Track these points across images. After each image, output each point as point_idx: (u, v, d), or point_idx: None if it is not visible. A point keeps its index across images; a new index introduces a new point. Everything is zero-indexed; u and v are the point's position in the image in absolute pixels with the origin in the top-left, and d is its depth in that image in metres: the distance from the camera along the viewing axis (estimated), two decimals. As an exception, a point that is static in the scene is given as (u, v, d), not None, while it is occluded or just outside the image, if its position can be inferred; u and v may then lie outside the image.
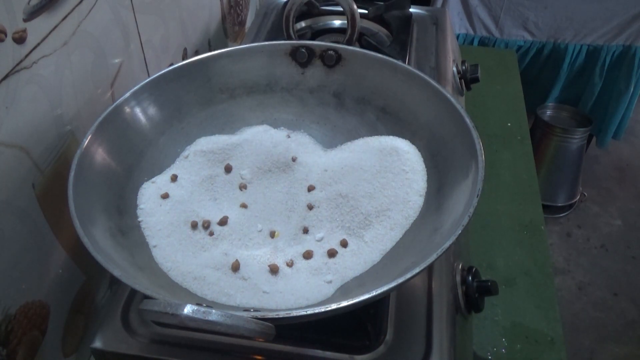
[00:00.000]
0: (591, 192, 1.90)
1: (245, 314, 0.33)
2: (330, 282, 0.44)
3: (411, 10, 0.83)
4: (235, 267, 0.44)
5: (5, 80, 0.42)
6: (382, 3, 0.80)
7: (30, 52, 0.44)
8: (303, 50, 0.57)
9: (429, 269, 0.48)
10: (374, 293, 0.34)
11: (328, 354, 0.42)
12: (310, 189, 0.51)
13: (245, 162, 0.54)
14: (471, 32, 1.61)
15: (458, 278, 0.49)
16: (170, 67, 0.54)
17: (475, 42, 1.62)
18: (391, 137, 0.54)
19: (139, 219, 0.48)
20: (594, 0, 1.50)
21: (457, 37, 1.59)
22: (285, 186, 0.52)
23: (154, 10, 0.66)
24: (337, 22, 0.81)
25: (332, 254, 0.46)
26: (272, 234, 0.48)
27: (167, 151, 0.54)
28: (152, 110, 0.53)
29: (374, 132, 0.56)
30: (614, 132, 1.74)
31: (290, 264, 0.45)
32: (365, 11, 0.79)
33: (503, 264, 0.71)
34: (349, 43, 0.65)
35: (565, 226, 1.80)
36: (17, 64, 0.43)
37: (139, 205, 0.49)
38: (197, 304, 0.30)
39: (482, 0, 1.54)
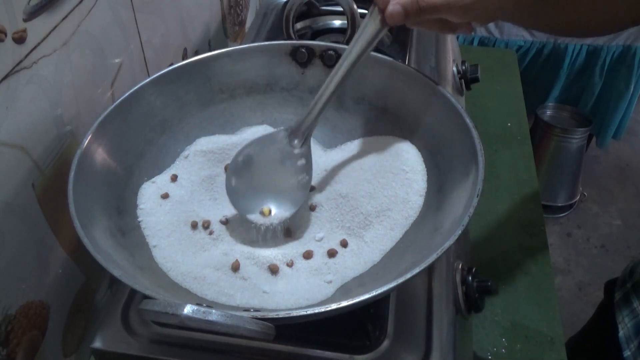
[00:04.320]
0: (591, 192, 1.90)
1: (245, 314, 0.33)
2: (330, 282, 0.44)
3: (411, 10, 0.83)
4: (235, 267, 0.44)
5: (5, 80, 0.42)
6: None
7: (30, 52, 0.44)
8: (303, 50, 0.57)
9: (429, 269, 0.47)
10: (374, 293, 0.34)
11: (328, 354, 0.42)
12: (310, 189, 0.51)
13: (245, 162, 0.54)
14: (471, 32, 1.61)
15: (458, 278, 0.49)
16: (170, 67, 0.54)
17: (475, 42, 1.62)
18: (391, 137, 0.54)
19: (139, 219, 0.48)
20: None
21: (457, 37, 1.59)
22: (285, 186, 0.52)
23: (154, 10, 0.66)
24: (337, 22, 0.81)
25: (332, 254, 0.46)
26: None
27: (167, 151, 0.54)
28: (152, 110, 0.53)
29: (374, 132, 0.56)
30: (614, 132, 1.74)
31: (290, 264, 0.45)
32: (365, 11, 0.79)
33: (503, 264, 0.71)
34: (349, 43, 0.65)
35: (565, 226, 1.80)
36: (17, 64, 0.43)
37: (139, 205, 0.49)
38: (197, 304, 0.30)
39: (482, 0, 1.54)
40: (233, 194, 0.49)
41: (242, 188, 0.49)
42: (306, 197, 0.49)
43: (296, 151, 0.49)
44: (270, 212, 0.48)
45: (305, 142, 0.49)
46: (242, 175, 0.49)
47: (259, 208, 0.48)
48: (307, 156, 0.49)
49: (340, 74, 0.47)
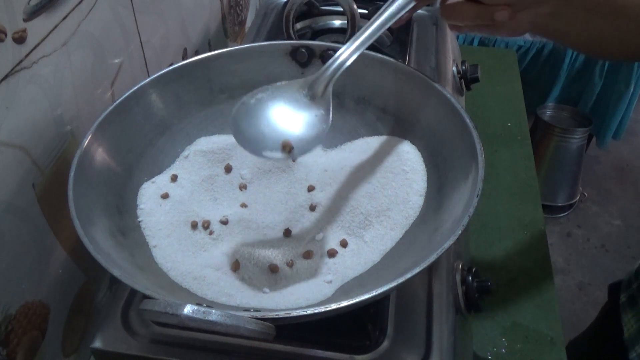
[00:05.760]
0: (591, 192, 1.90)
1: (245, 314, 0.33)
2: (330, 282, 0.44)
3: (411, 10, 0.83)
4: (235, 267, 0.44)
5: (5, 80, 0.42)
6: (382, 3, 0.80)
7: (30, 52, 0.44)
8: (303, 50, 0.57)
9: (429, 269, 0.47)
10: (374, 293, 0.34)
11: (328, 354, 0.42)
12: (310, 189, 0.51)
13: (245, 162, 0.54)
14: (471, 32, 1.61)
15: (458, 278, 0.49)
16: (170, 67, 0.54)
17: (475, 42, 1.62)
18: (391, 137, 0.54)
19: (139, 219, 0.48)
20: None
21: (457, 37, 1.58)
22: (285, 186, 0.52)
23: (154, 10, 0.66)
24: (337, 22, 0.81)
25: (332, 254, 0.46)
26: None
27: (167, 151, 0.54)
28: (152, 110, 0.53)
29: (374, 132, 0.56)
30: (614, 132, 1.74)
31: (290, 264, 0.45)
32: (365, 11, 0.79)
33: (503, 264, 0.71)
34: (348, 43, 0.65)
35: (565, 226, 1.80)
36: (17, 64, 0.43)
37: (139, 205, 0.49)
38: (197, 304, 0.30)
39: (482, 0, 1.54)
40: (241, 134, 0.46)
41: (252, 127, 0.46)
42: (321, 141, 0.47)
43: (314, 102, 0.47)
44: (291, 147, 0.45)
45: (325, 92, 0.47)
46: (253, 116, 0.47)
47: (276, 144, 0.45)
48: (326, 107, 0.47)
49: (373, 28, 0.47)
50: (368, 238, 0.47)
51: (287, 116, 0.47)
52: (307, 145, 0.45)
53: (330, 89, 0.47)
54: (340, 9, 0.67)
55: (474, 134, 0.45)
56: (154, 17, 0.66)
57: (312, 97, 0.47)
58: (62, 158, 0.51)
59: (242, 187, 0.52)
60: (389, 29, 0.77)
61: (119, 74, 0.60)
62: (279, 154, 0.45)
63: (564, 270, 1.66)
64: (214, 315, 0.30)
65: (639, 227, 1.79)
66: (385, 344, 0.43)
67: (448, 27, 0.50)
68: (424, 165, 0.51)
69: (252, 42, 0.63)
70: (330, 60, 0.47)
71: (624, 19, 0.46)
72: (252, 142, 0.45)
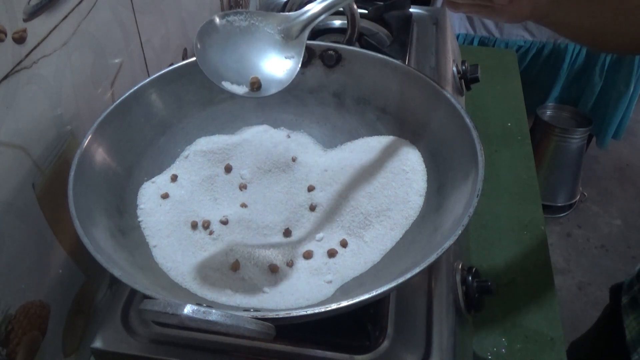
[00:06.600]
0: (591, 192, 1.90)
1: (245, 314, 0.33)
2: (330, 282, 0.44)
3: (411, 10, 0.83)
4: (235, 267, 0.44)
5: (5, 80, 0.42)
6: (382, 3, 0.80)
7: (30, 52, 0.44)
8: (303, 50, 0.56)
9: (429, 269, 0.47)
10: (374, 293, 0.34)
11: (328, 354, 0.42)
12: (310, 189, 0.51)
13: (245, 162, 0.54)
14: (471, 32, 1.61)
15: (458, 278, 0.49)
16: (170, 67, 0.54)
17: (475, 42, 1.62)
18: (391, 137, 0.54)
19: (139, 219, 0.48)
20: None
21: (457, 37, 1.59)
22: (285, 186, 0.52)
23: (154, 10, 0.66)
24: (337, 22, 0.81)
25: (332, 254, 0.46)
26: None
27: (167, 151, 0.54)
28: (152, 110, 0.53)
29: (374, 132, 0.56)
30: (614, 132, 1.74)
31: (290, 264, 0.45)
32: (365, 11, 0.79)
33: (503, 264, 0.71)
34: (349, 43, 0.65)
35: (565, 226, 1.80)
36: (17, 64, 0.43)
37: (139, 205, 0.49)
38: (197, 304, 0.30)
39: (482, 0, 1.54)
40: (203, 55, 0.42)
41: (217, 52, 0.43)
42: (285, 85, 0.43)
43: (287, 42, 0.44)
44: (259, 85, 0.42)
45: (300, 35, 0.44)
46: (220, 40, 0.43)
47: (241, 78, 0.42)
48: (298, 51, 0.44)
49: None
50: (368, 238, 0.47)
51: (257, 50, 0.44)
52: (273, 86, 0.43)
53: (306, 33, 0.44)
54: (340, 8, 0.67)
55: (474, 134, 0.45)
56: (154, 17, 0.66)
57: (286, 37, 0.44)
58: (62, 158, 0.51)
59: (242, 187, 0.52)
60: (389, 29, 0.77)
61: (119, 74, 0.60)
62: (242, 89, 0.42)
63: (564, 270, 1.66)
64: (214, 315, 0.30)
65: (639, 227, 1.79)
66: (385, 344, 0.43)
67: (445, 4, 0.48)
68: (424, 165, 0.51)
69: (252, 42, 0.63)
70: (314, 3, 0.44)
71: (624, 10, 0.45)
72: (214, 66, 0.42)
